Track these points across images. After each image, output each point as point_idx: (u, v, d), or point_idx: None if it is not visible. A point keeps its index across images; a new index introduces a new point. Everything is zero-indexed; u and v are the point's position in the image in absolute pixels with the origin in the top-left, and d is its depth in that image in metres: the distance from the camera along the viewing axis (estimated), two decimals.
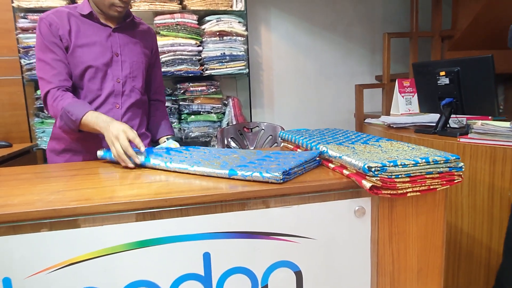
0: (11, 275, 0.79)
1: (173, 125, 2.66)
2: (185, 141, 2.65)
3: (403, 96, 2.22)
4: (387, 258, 0.97)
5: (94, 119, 1.22)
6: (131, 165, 1.13)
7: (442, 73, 1.67)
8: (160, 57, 2.53)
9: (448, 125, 1.70)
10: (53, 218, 0.80)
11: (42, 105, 1.66)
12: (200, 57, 2.71)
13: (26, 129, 2.52)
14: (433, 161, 0.88)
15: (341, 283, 0.95)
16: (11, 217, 0.78)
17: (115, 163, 1.20)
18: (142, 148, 1.14)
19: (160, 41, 2.55)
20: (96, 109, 1.33)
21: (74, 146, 1.40)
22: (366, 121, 2.31)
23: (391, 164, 0.85)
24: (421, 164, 0.87)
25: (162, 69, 2.54)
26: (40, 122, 2.49)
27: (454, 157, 0.90)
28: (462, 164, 0.91)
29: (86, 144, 1.39)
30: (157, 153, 1.19)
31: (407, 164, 0.86)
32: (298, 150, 1.28)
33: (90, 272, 0.82)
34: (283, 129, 1.61)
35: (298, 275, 0.92)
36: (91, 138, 1.35)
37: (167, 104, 2.60)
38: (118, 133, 1.14)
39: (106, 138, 1.18)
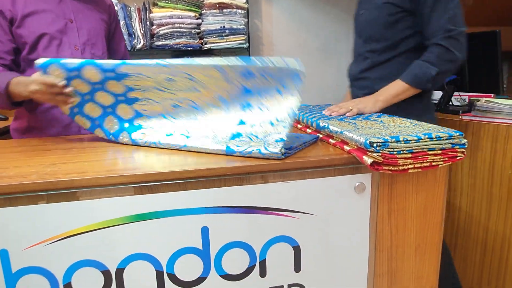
0: (8, 247, 0.79)
1: None
2: None
3: None
4: (386, 234, 0.97)
5: (15, 85, 1.13)
6: (62, 83, 1.05)
7: None
8: (159, 29, 2.48)
9: (450, 103, 1.67)
10: (50, 191, 0.79)
11: None
12: (199, 30, 2.65)
13: None
14: (436, 137, 0.86)
15: (339, 259, 0.95)
16: (7, 189, 0.77)
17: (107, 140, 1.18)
18: (62, 82, 1.04)
19: (158, 12, 2.48)
20: None
21: (35, 123, 1.33)
22: None
23: (393, 140, 0.84)
24: (424, 140, 0.85)
25: (160, 42, 2.49)
26: None
27: (457, 134, 0.88)
28: (465, 140, 0.90)
29: (45, 119, 1.32)
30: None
31: (410, 140, 0.84)
32: (298, 125, 1.27)
33: (88, 245, 0.82)
34: None
35: (297, 250, 0.92)
36: (46, 110, 1.29)
37: None
38: (32, 81, 1.07)
39: (29, 94, 1.10)
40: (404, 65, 1.29)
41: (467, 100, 1.83)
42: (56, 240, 0.81)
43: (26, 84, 1.10)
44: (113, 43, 1.50)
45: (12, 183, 0.78)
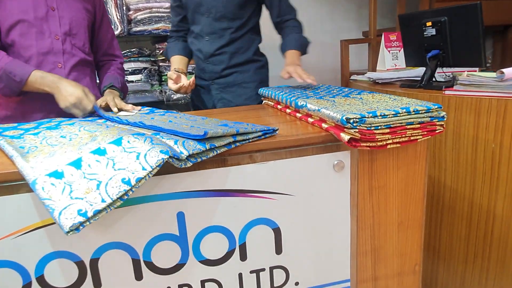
0: None
1: (153, 87, 2.55)
2: (167, 104, 2.58)
3: (389, 51, 2.15)
4: (367, 212, 0.96)
5: (40, 79, 1.15)
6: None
7: (429, 23, 1.60)
8: (135, 15, 2.41)
9: (434, 79, 1.65)
10: (17, 181, 0.76)
11: None
12: None
13: None
14: (414, 111, 0.84)
15: (321, 239, 0.94)
16: None
17: None
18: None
19: None
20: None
21: (16, 111, 1.28)
22: (351, 78, 2.26)
23: (370, 115, 0.81)
24: (402, 114, 0.83)
25: (138, 28, 2.43)
26: None
27: (435, 106, 0.86)
28: (444, 113, 0.88)
29: (29, 107, 1.27)
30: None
31: (387, 115, 0.82)
32: (278, 106, 1.24)
33: (60, 236, 0.79)
34: None
35: (277, 232, 0.90)
36: (33, 99, 1.25)
37: (146, 65, 2.50)
38: (76, 102, 1.13)
39: (60, 101, 1.14)
40: (251, 39, 1.61)
41: (451, 76, 1.82)
42: (25, 232, 0.78)
43: (57, 83, 1.15)
44: (100, 33, 1.44)
45: None
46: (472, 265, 1.45)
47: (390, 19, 3.42)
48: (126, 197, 0.69)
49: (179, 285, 0.88)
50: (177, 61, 1.61)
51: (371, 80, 1.97)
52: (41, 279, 0.80)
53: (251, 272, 0.91)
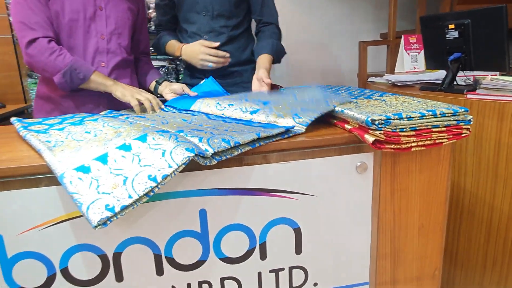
0: (2, 231, 0.78)
1: None
2: None
3: (408, 53, 2.13)
4: (388, 215, 0.95)
5: (102, 78, 1.22)
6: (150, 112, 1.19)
7: (451, 26, 1.58)
8: (155, 13, 2.43)
9: (455, 82, 1.63)
10: (44, 174, 0.78)
11: None
12: None
13: (20, 90, 2.46)
14: (440, 114, 0.83)
15: (341, 240, 0.94)
16: (1, 173, 0.76)
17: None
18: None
19: None
20: None
21: (63, 104, 1.32)
22: (369, 80, 2.24)
23: (396, 117, 0.81)
24: (428, 117, 0.82)
25: None
26: (33, 83, 2.43)
27: (462, 110, 0.85)
28: (471, 117, 0.87)
29: (75, 102, 1.32)
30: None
31: (413, 117, 0.81)
32: None
33: (85, 229, 0.81)
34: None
35: (297, 232, 0.90)
36: (80, 95, 1.29)
37: (164, 63, 2.52)
38: (137, 92, 1.22)
39: (122, 91, 1.21)
40: (248, 39, 1.60)
41: (472, 80, 1.79)
42: (51, 224, 0.79)
43: (116, 83, 1.23)
44: (138, 34, 1.46)
45: (4, 167, 0.76)
46: (491, 272, 1.43)
47: (409, 21, 3.39)
48: (152, 193, 0.70)
49: (199, 282, 0.88)
50: (176, 43, 1.55)
51: (390, 82, 1.95)
52: (65, 271, 0.82)
53: (270, 271, 0.91)
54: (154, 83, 1.43)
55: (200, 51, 1.43)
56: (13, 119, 1.08)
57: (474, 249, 1.47)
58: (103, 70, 1.30)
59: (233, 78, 1.60)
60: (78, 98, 1.31)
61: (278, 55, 1.53)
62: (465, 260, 1.51)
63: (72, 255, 0.81)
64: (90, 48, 1.29)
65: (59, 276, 0.82)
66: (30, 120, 1.09)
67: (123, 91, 1.21)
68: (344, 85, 1.47)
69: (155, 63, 2.48)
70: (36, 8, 1.19)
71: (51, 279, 0.81)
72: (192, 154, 0.72)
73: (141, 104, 1.20)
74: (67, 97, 1.31)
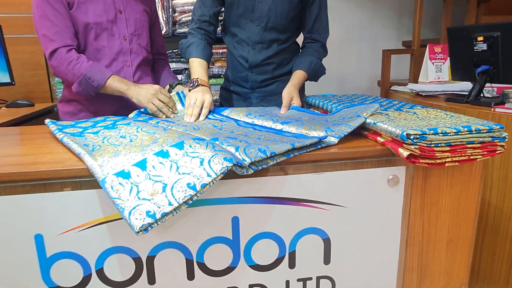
0: (43, 231, 0.80)
1: None
2: None
3: (433, 63, 2.12)
4: (418, 229, 0.95)
5: (117, 83, 1.26)
6: (172, 115, 1.24)
7: (480, 38, 1.57)
8: (181, 16, 2.47)
9: (482, 95, 1.62)
10: (84, 177, 0.80)
11: None
12: (222, 17, 2.62)
13: (47, 89, 2.51)
14: (475, 130, 0.83)
15: (370, 252, 0.94)
16: (42, 175, 0.78)
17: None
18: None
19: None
20: (106, 67, 1.33)
21: (89, 107, 1.39)
22: (392, 88, 2.23)
23: (431, 132, 0.81)
24: (463, 133, 0.82)
25: (183, 30, 2.48)
26: (60, 82, 2.48)
27: (497, 127, 0.85)
28: (506, 134, 0.86)
29: (100, 106, 1.38)
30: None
31: (448, 133, 0.82)
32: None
33: (121, 232, 0.83)
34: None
35: (327, 242, 0.91)
36: (105, 98, 1.33)
37: (187, 66, 2.54)
38: (155, 92, 1.24)
39: (137, 97, 1.23)
40: (293, 52, 1.58)
41: (496, 92, 1.77)
42: (89, 226, 0.82)
43: (130, 85, 1.26)
44: (152, 34, 1.52)
45: (47, 169, 0.79)
46: None
47: (432, 30, 3.36)
48: (191, 201, 0.72)
49: None
50: (199, 66, 1.41)
51: (414, 92, 1.94)
52: (100, 272, 0.84)
53: (298, 280, 0.92)
54: (167, 86, 1.46)
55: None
56: (47, 121, 1.11)
57: (497, 264, 1.45)
58: (128, 69, 1.38)
59: (275, 87, 1.57)
60: (101, 100, 1.36)
61: (315, 73, 1.50)
62: (487, 276, 1.49)
63: (108, 257, 0.84)
64: (115, 49, 1.36)
65: (94, 276, 0.84)
66: (63, 123, 1.12)
67: (138, 98, 1.24)
68: (370, 94, 1.47)
69: (178, 65, 2.51)
70: (55, 18, 1.25)
71: (86, 279, 0.84)
72: (230, 164, 0.73)
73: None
74: (92, 99, 1.36)
